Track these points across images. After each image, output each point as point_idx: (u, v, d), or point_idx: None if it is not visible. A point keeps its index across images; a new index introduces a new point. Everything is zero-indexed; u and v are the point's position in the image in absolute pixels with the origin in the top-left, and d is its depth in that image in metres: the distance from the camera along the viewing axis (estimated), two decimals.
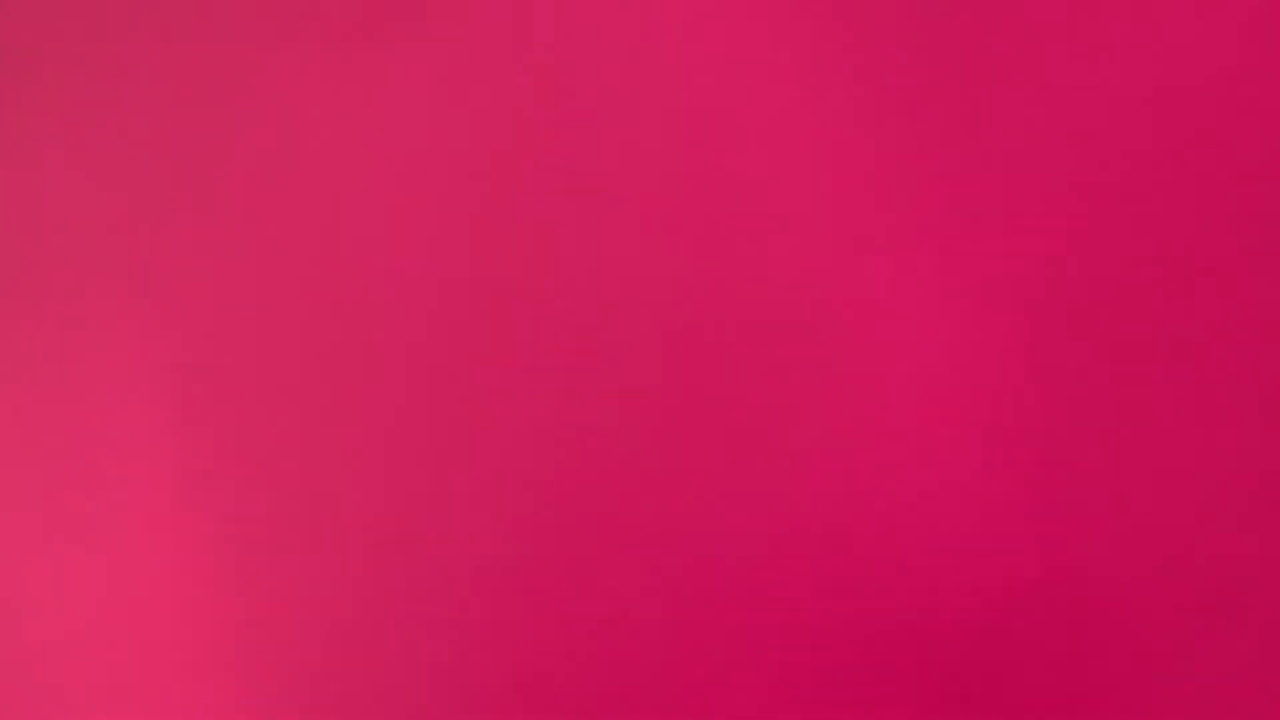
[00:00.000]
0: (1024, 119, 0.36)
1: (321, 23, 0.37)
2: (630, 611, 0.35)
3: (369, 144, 0.36)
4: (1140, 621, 0.34)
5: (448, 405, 0.36)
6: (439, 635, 0.35)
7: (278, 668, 0.35)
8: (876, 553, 0.35)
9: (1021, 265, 0.35)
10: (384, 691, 0.35)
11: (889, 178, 0.36)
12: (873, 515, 0.35)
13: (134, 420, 0.36)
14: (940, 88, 0.36)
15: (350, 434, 0.36)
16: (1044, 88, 0.36)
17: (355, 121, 0.36)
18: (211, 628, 0.35)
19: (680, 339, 0.35)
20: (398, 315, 0.36)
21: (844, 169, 0.36)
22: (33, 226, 0.37)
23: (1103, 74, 0.36)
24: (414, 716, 0.35)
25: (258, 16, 0.37)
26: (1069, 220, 0.35)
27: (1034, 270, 0.35)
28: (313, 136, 0.36)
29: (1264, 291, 0.35)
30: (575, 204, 0.36)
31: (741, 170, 0.36)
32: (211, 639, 0.35)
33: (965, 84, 0.36)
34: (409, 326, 0.36)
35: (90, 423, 0.36)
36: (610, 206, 0.36)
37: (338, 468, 0.36)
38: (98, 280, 0.36)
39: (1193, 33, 0.36)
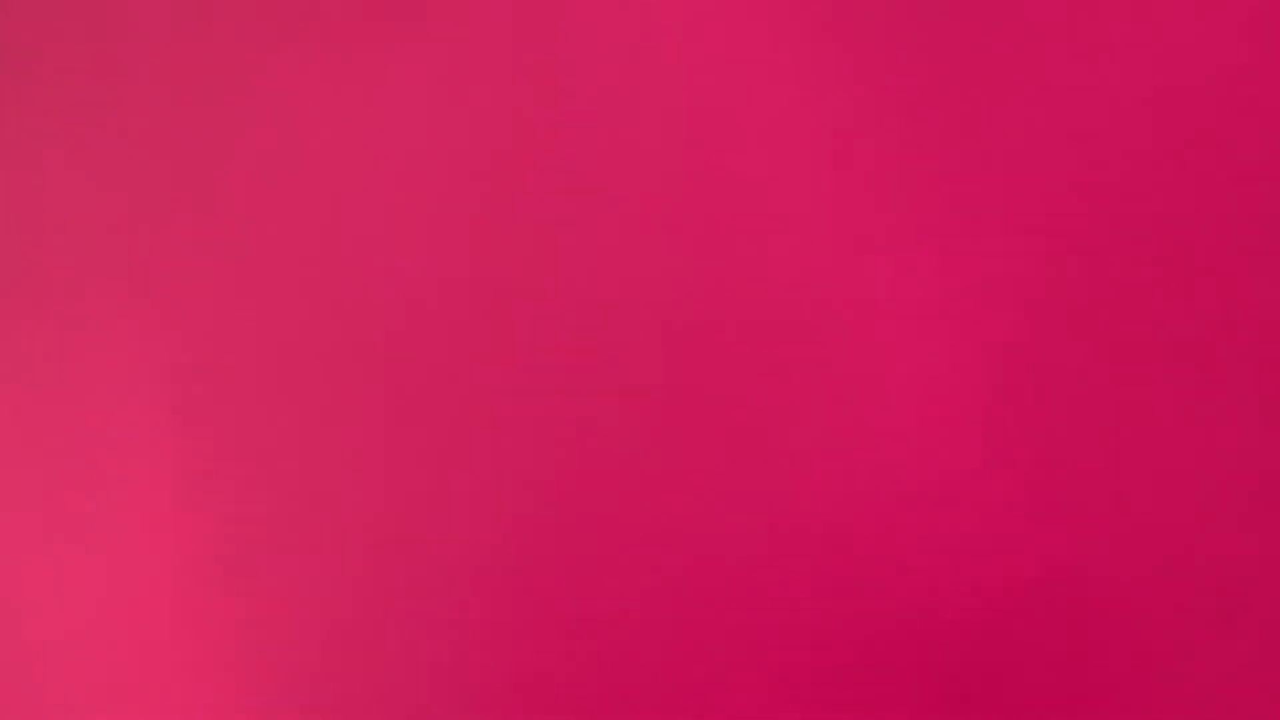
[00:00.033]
0: (1024, 119, 0.36)
1: (321, 23, 0.37)
2: (630, 611, 0.35)
3: (369, 144, 0.36)
4: (1140, 621, 0.34)
5: (448, 405, 0.36)
6: (439, 635, 0.35)
7: (278, 668, 0.35)
8: (876, 553, 0.35)
9: (1021, 265, 0.35)
10: (384, 691, 0.35)
11: (889, 178, 0.36)
12: (873, 515, 0.35)
13: (134, 420, 0.36)
14: (940, 88, 0.36)
15: (350, 434, 0.36)
16: (1044, 88, 0.36)
17: (355, 121, 0.36)
18: (211, 628, 0.35)
19: (680, 339, 0.35)
20: (398, 315, 0.36)
21: (844, 169, 0.36)
22: (33, 226, 0.37)
23: (1103, 74, 0.36)
24: (414, 716, 0.35)
25: (258, 16, 0.37)
26: (1069, 220, 0.35)
27: (1034, 270, 0.35)
28: (313, 136, 0.36)
29: (1264, 291, 0.35)
30: (575, 204, 0.36)
31: (741, 170, 0.36)
32: (211, 639, 0.35)
33: (965, 84, 0.36)
34: (409, 326, 0.36)
35: (90, 423, 0.36)
36: (610, 206, 0.36)
37: (338, 468, 0.36)
38: (98, 280, 0.36)
39: (1193, 33, 0.36)
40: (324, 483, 0.36)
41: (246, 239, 0.36)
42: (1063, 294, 0.35)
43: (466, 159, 0.36)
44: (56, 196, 0.37)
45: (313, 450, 0.36)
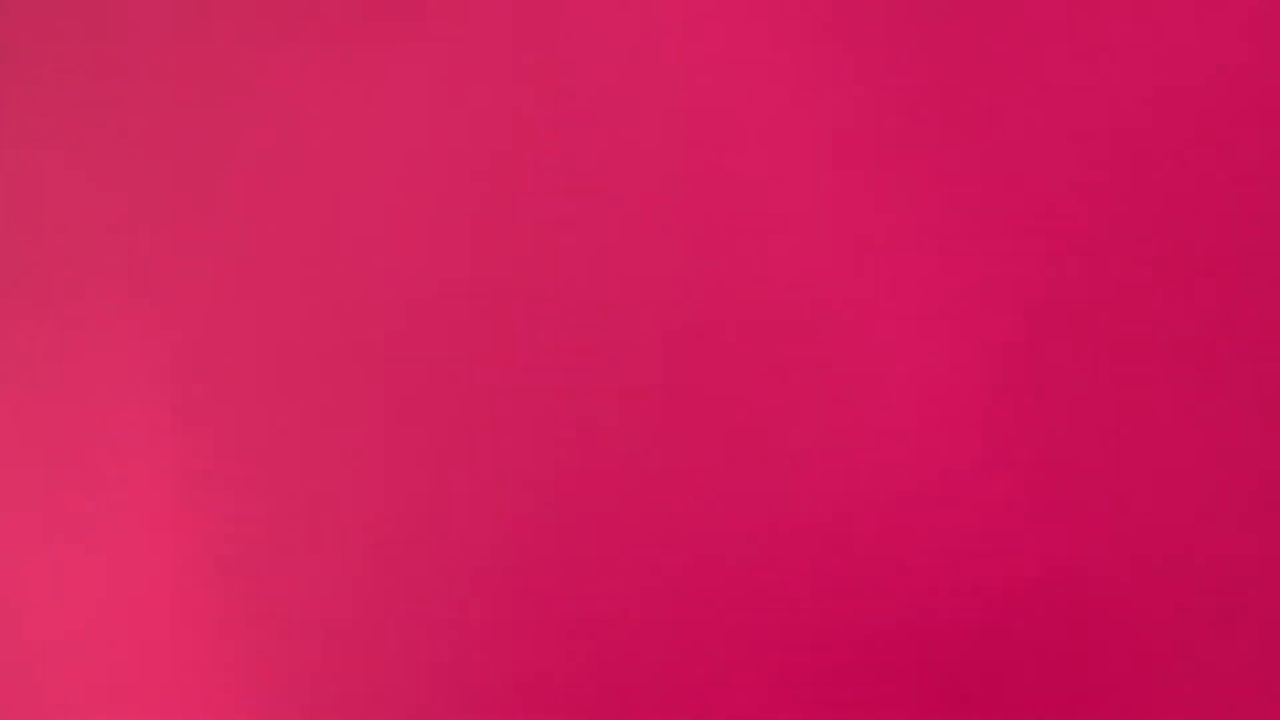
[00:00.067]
0: (1024, 119, 0.36)
1: (321, 23, 0.37)
2: (630, 611, 0.35)
3: (369, 144, 0.36)
4: (1140, 621, 0.34)
5: (448, 405, 0.36)
6: (439, 635, 0.35)
7: (278, 668, 0.35)
8: (876, 553, 0.35)
9: (1021, 265, 0.35)
10: (384, 691, 0.35)
11: (889, 178, 0.36)
12: (873, 515, 0.35)
13: (134, 420, 0.36)
14: (940, 88, 0.36)
15: (350, 434, 0.36)
16: (1044, 88, 0.36)
17: (355, 121, 0.36)
18: (211, 628, 0.35)
19: (680, 339, 0.35)
20: (398, 315, 0.36)
21: (844, 169, 0.36)
22: (33, 226, 0.37)
23: (1103, 74, 0.36)
24: (414, 716, 0.35)
25: (258, 16, 0.37)
26: (1069, 220, 0.35)
27: (1034, 270, 0.35)
28: (313, 136, 0.36)
29: (1264, 291, 0.35)
30: (575, 204, 0.36)
31: (741, 170, 0.36)
32: (211, 639, 0.35)
33: (965, 84, 0.36)
34: (409, 326, 0.36)
35: (90, 423, 0.36)
36: (610, 206, 0.36)
37: (338, 468, 0.36)
38: (98, 280, 0.36)
39: (1193, 33, 0.36)
40: (324, 483, 0.36)
41: (246, 239, 0.36)
42: (1063, 294, 0.35)
43: (466, 159, 0.36)
44: (56, 196, 0.37)
45: (313, 450, 0.36)
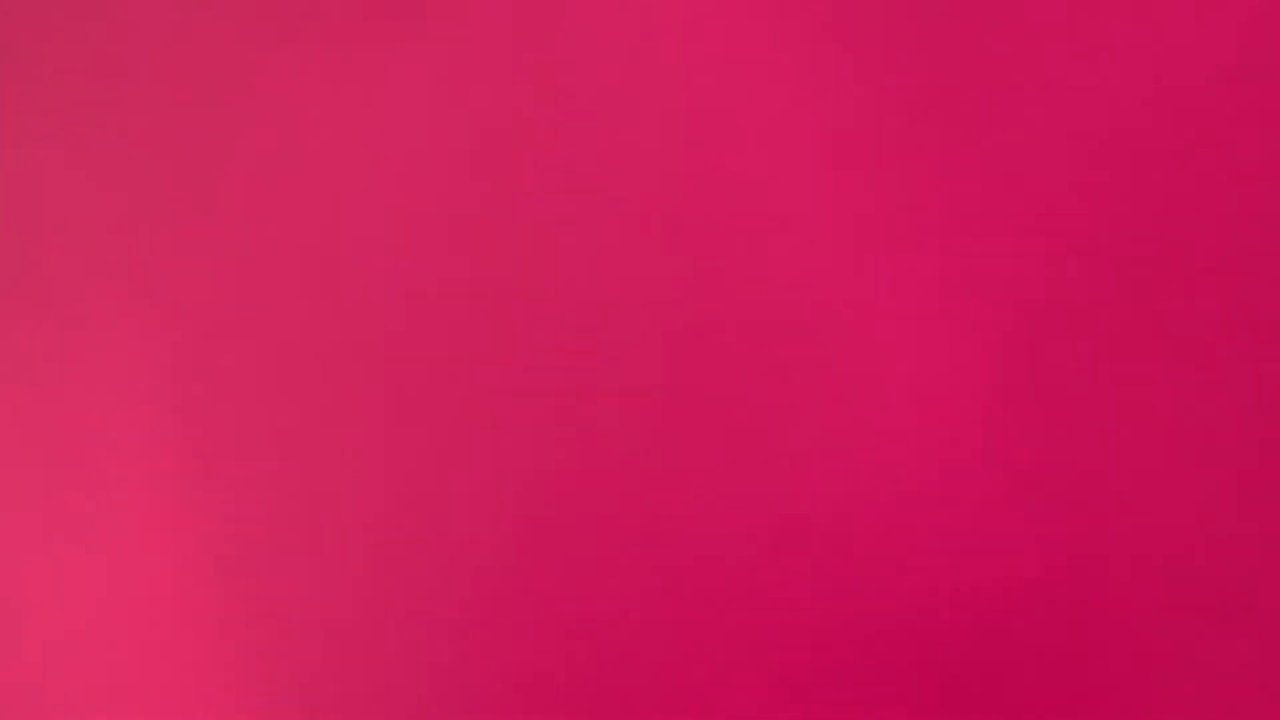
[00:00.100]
0: (1024, 119, 0.36)
1: (321, 23, 0.37)
2: (630, 611, 0.35)
3: (369, 144, 0.36)
4: (1140, 621, 0.34)
5: (448, 405, 0.36)
6: (439, 635, 0.35)
7: (278, 668, 0.35)
8: (876, 552, 0.35)
9: (1021, 265, 0.35)
10: (384, 691, 0.35)
11: (889, 178, 0.36)
12: (872, 515, 0.35)
13: (134, 420, 0.36)
14: (940, 87, 0.36)
15: (350, 434, 0.36)
16: (1044, 88, 0.36)
17: (355, 121, 0.36)
18: (211, 628, 0.35)
19: (680, 339, 0.35)
20: (398, 315, 0.36)
21: (844, 169, 0.36)
22: (33, 226, 0.37)
23: (1103, 74, 0.36)
24: (414, 716, 0.35)
25: (258, 16, 0.37)
26: (1069, 220, 0.35)
27: (1034, 270, 0.35)
28: (313, 136, 0.36)
29: (1264, 291, 0.35)
30: (575, 204, 0.36)
31: (741, 170, 0.36)
32: (211, 639, 0.35)
33: (965, 84, 0.36)
34: (409, 326, 0.36)
35: (90, 423, 0.36)
36: (610, 206, 0.36)
37: (338, 468, 0.36)
38: (98, 280, 0.36)
39: (1193, 33, 0.36)
40: (324, 483, 0.36)
41: (246, 239, 0.36)
42: (1063, 294, 0.35)
43: (467, 159, 0.36)
44: (56, 196, 0.37)
45: (312, 450, 0.36)
